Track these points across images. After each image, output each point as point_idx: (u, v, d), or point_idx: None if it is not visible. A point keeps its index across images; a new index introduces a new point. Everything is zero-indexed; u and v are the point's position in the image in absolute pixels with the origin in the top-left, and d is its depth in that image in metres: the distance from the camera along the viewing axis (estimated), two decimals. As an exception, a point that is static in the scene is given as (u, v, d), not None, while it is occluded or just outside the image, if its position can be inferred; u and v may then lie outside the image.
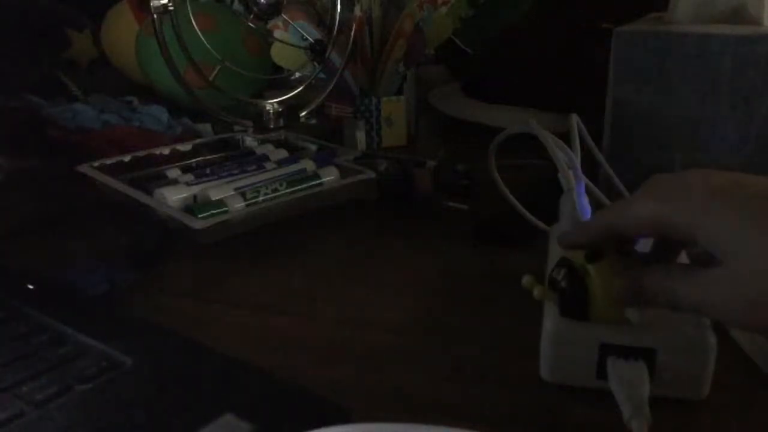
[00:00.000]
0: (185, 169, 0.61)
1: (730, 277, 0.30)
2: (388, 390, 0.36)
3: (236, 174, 0.59)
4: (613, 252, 0.35)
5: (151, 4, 0.65)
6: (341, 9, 0.75)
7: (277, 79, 0.86)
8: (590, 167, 0.52)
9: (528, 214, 0.53)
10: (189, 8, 0.71)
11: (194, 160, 0.64)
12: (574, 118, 0.51)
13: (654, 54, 0.53)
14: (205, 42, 0.72)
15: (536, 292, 0.35)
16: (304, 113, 0.77)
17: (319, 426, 0.26)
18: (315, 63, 0.76)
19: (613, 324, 0.34)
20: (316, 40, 0.75)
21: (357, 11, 0.74)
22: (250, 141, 0.70)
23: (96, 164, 0.60)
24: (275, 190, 0.55)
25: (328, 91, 0.76)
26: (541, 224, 0.52)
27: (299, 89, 0.78)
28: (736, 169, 0.32)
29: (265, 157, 0.63)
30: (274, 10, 0.73)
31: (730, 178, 0.32)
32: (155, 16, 0.65)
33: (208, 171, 0.60)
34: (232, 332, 0.42)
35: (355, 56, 0.75)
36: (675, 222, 0.32)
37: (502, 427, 0.34)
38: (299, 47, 0.77)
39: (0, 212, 0.58)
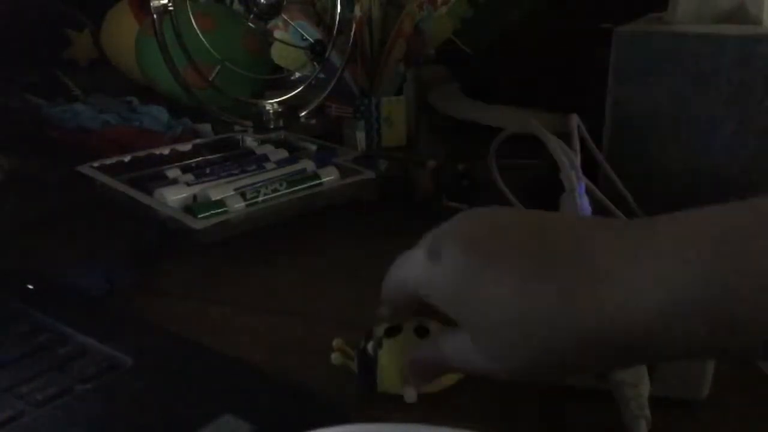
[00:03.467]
0: (185, 169, 0.61)
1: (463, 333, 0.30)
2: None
3: (236, 174, 0.59)
4: (410, 329, 0.36)
5: (151, 4, 0.65)
6: (341, 9, 0.75)
7: (277, 79, 0.86)
8: (590, 167, 0.52)
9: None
10: (189, 8, 0.71)
11: (194, 160, 0.64)
12: (574, 118, 0.51)
13: (654, 54, 0.53)
14: (205, 42, 0.72)
15: (333, 356, 0.37)
16: (304, 113, 0.77)
17: (318, 426, 0.26)
18: (315, 63, 0.76)
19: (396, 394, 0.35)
20: (316, 40, 0.75)
21: (357, 11, 0.74)
22: (250, 141, 0.70)
23: (96, 164, 0.60)
24: (275, 190, 0.55)
25: (328, 91, 0.76)
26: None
27: (299, 89, 0.78)
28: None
29: (265, 157, 0.63)
30: (274, 10, 0.73)
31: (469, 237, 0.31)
32: (155, 16, 0.65)
33: (208, 171, 0.60)
34: (231, 332, 0.42)
35: (355, 56, 0.75)
36: (408, 285, 0.32)
37: (502, 427, 0.34)
38: (299, 47, 0.76)
39: (0, 212, 0.58)
